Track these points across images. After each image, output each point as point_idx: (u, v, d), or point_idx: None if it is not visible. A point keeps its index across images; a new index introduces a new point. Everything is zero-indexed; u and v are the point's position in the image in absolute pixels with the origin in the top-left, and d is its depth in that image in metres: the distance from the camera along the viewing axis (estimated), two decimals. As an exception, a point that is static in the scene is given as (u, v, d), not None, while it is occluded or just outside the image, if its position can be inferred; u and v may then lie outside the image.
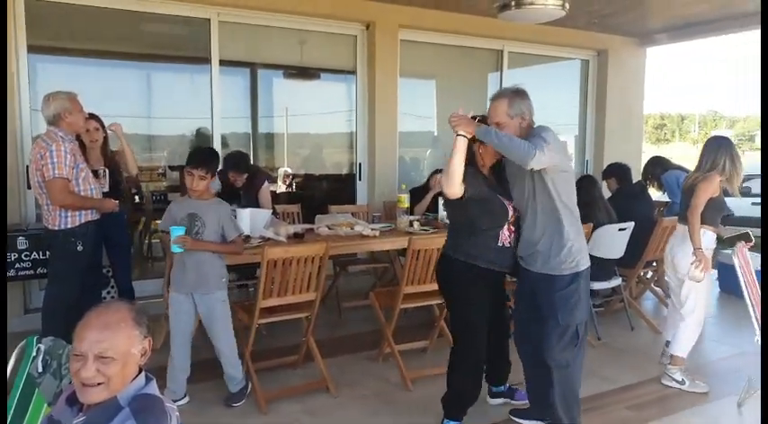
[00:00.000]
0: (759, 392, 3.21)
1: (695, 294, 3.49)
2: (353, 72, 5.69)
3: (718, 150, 3.40)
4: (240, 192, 4.34)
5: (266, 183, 4.51)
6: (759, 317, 3.23)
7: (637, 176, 5.28)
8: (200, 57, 5.07)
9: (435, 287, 3.55)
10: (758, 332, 3.18)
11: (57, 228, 3.25)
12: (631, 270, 4.65)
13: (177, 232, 2.91)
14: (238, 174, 4.27)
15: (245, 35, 5.30)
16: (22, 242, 3.73)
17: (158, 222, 4.07)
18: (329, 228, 4.06)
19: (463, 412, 2.89)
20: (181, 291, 3.07)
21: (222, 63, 5.08)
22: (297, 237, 3.84)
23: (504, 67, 6.45)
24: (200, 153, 3.12)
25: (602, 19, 6.04)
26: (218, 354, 3.17)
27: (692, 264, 3.36)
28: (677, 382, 3.49)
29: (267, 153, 6.15)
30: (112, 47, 5.03)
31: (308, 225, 4.18)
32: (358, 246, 3.96)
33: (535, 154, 2.36)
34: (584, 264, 2.64)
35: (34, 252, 3.76)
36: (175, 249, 2.89)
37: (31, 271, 3.79)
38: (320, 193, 6.11)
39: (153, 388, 1.54)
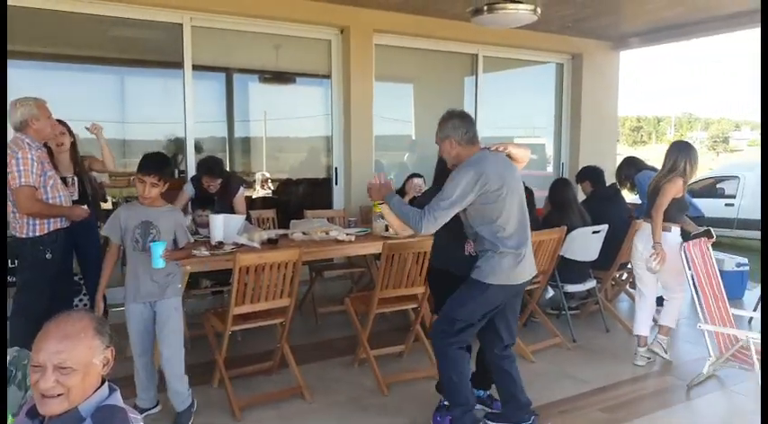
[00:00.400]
0: (707, 378, 3.58)
1: (676, 281, 3.90)
2: (329, 76, 5.68)
3: (678, 154, 3.76)
4: (214, 198, 4.30)
5: (241, 190, 4.47)
6: (704, 305, 3.62)
7: (611, 178, 5.34)
8: (172, 62, 5.02)
9: (411, 291, 3.59)
10: (701, 318, 3.57)
11: (24, 236, 3.20)
12: (606, 273, 4.70)
13: (161, 247, 2.80)
14: (212, 179, 4.22)
15: (219, 40, 5.26)
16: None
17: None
18: (304, 233, 4.04)
19: (483, 384, 3.21)
20: (138, 301, 2.94)
21: (196, 68, 5.04)
22: (271, 243, 3.82)
23: (479, 71, 6.50)
24: (152, 159, 2.93)
25: (575, 23, 6.12)
26: (163, 364, 3.02)
27: (650, 256, 3.74)
28: (663, 350, 3.91)
29: (244, 157, 6.11)
30: (84, 52, 4.97)
31: (282, 231, 4.15)
32: (333, 251, 3.95)
33: (421, 226, 2.64)
34: (490, 280, 2.71)
35: (14, 259, 3.65)
36: (161, 263, 2.80)
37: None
38: (296, 198, 6.09)
39: (116, 399, 1.51)
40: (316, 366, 3.79)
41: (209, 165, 4.26)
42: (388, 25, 5.62)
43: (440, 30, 5.89)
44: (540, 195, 5.16)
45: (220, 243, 3.68)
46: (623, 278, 5.21)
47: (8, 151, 3.10)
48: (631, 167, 5.29)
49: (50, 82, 4.86)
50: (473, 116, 6.76)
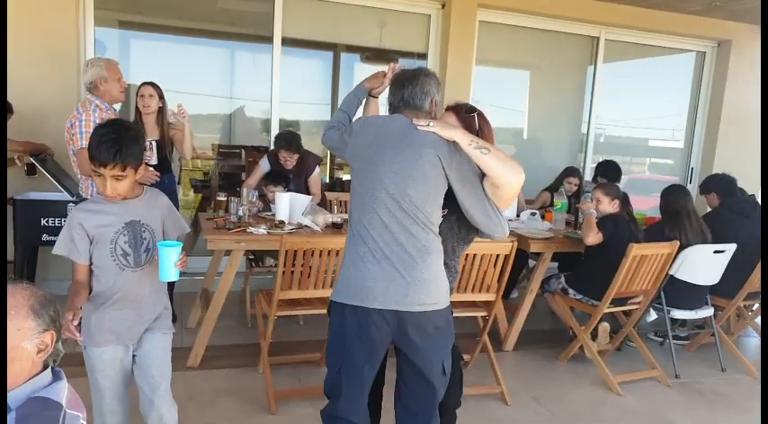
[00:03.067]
0: None
1: None
2: (425, 56, 5.28)
3: None
4: (290, 176, 4.15)
5: (317, 169, 4.29)
6: None
7: (751, 189, 4.45)
8: (267, 37, 4.89)
9: (478, 297, 3.18)
10: None
11: (89, 197, 3.22)
12: (729, 301, 3.91)
13: (175, 250, 1.91)
14: (290, 154, 4.07)
15: (313, 12, 5.02)
16: (71, 209, 3.77)
17: (221, 197, 3.98)
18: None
19: None
20: (120, 341, 2.00)
21: (289, 42, 4.87)
22: (335, 227, 3.58)
23: (598, 59, 5.73)
24: (110, 139, 1.83)
25: (725, 2, 5.17)
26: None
27: None
28: None
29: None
30: (190, 24, 5.00)
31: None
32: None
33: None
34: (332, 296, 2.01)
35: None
36: (176, 274, 1.94)
37: (78, 238, 3.83)
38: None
39: (56, 390, 1.29)
40: (369, 364, 3.51)
41: (287, 139, 4.11)
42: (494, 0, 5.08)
43: (555, 7, 5.24)
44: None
45: (281, 222, 3.52)
46: (752, 309, 4.34)
47: (74, 113, 3.14)
48: None
49: (142, 50, 4.93)
50: (587, 110, 6.00)
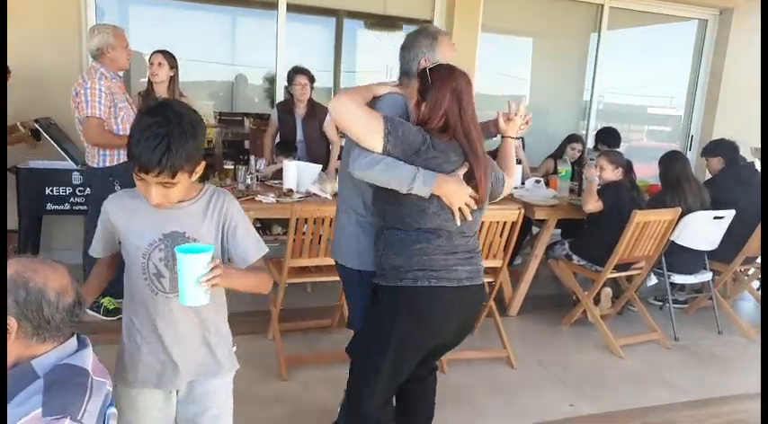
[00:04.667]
0: None
1: None
2: (430, 23, 5.23)
3: None
4: (300, 122, 4.25)
5: (329, 115, 4.34)
6: None
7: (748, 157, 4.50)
8: (267, 2, 4.82)
9: (485, 263, 3.20)
10: None
11: (95, 166, 3.20)
12: (727, 265, 4.00)
13: (194, 257, 1.33)
14: (305, 79, 4.16)
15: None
16: (76, 178, 3.77)
17: (228, 165, 3.96)
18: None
19: None
20: (160, 384, 1.55)
21: (294, 9, 4.80)
22: (343, 195, 3.61)
23: (602, 26, 5.68)
24: (156, 140, 1.32)
25: (728, -30, 5.14)
26: None
27: None
28: None
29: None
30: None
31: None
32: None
33: None
34: None
35: (88, 188, 3.76)
36: (201, 297, 1.36)
37: (85, 207, 3.81)
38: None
39: (82, 357, 1.27)
40: (377, 329, 3.58)
41: (301, 68, 4.22)
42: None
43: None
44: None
45: (290, 191, 3.55)
46: (749, 273, 4.44)
47: (80, 80, 3.10)
48: None
49: (147, 17, 4.85)
50: (590, 78, 5.97)
